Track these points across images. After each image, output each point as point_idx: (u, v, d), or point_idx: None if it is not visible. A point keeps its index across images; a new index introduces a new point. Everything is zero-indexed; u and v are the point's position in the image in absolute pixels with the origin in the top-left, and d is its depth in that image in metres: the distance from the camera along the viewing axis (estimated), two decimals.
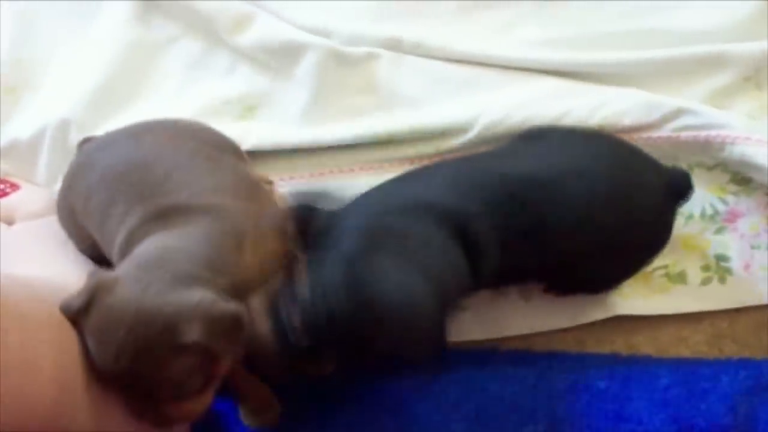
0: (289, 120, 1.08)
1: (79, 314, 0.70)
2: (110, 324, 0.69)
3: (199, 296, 0.71)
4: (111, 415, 0.72)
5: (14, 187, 1.06)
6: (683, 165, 1.00)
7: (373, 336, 0.72)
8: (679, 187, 0.91)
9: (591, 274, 0.92)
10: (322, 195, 0.87)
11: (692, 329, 0.99)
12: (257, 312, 0.77)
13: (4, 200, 1.04)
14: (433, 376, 0.78)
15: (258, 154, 1.05)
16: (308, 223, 0.83)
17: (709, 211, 1.02)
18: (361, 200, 0.89)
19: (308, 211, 0.85)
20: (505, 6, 1.14)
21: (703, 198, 1.02)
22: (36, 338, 0.67)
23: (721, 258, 1.00)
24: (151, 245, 0.76)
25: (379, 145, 1.05)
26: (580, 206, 0.84)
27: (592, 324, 0.98)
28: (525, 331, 0.98)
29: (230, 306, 0.71)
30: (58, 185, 0.95)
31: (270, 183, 1.04)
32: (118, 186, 0.83)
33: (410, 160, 1.03)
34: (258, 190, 0.90)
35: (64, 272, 0.83)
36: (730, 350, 0.97)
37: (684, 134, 1.01)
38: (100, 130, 0.99)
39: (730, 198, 1.02)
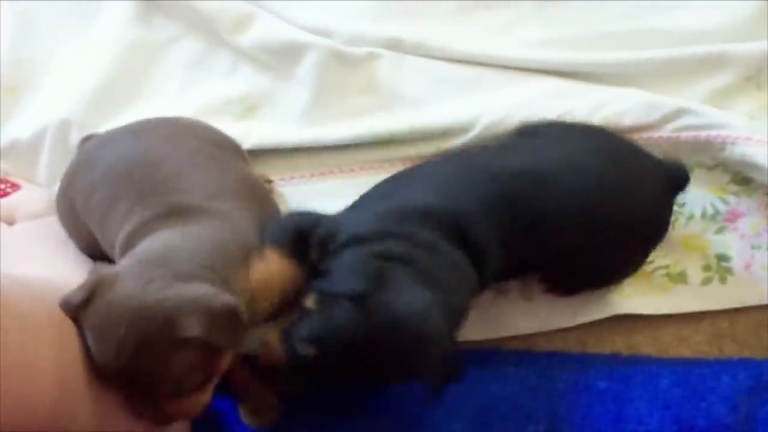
0: (290, 120, 1.08)
1: (78, 310, 0.70)
2: (110, 320, 0.68)
3: (199, 291, 0.71)
4: (112, 415, 0.72)
5: (15, 186, 1.06)
6: None
7: (383, 353, 0.72)
8: (676, 180, 0.91)
9: (590, 267, 0.92)
10: None
11: (693, 329, 0.99)
12: (269, 327, 0.78)
13: (5, 200, 1.04)
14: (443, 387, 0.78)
15: (259, 154, 1.05)
16: (309, 232, 0.83)
17: (710, 211, 1.02)
18: (360, 203, 0.89)
19: (308, 218, 0.85)
20: (505, 6, 1.14)
21: (703, 198, 1.02)
22: (36, 338, 0.67)
23: (721, 258, 1.00)
24: (153, 243, 0.76)
25: (379, 145, 1.05)
26: (576, 199, 0.84)
27: (593, 324, 0.98)
28: (526, 331, 0.98)
29: (230, 300, 0.71)
30: (58, 185, 0.95)
31: (270, 182, 1.04)
32: (121, 183, 0.83)
33: (411, 160, 1.03)
34: (258, 192, 0.90)
35: (65, 272, 0.83)
36: (731, 350, 0.97)
37: (684, 134, 1.01)
38: (100, 130, 0.99)
39: (731, 198, 1.02)
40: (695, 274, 1.00)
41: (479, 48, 1.09)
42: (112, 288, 0.70)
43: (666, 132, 1.01)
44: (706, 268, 1.00)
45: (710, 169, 1.03)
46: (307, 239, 0.83)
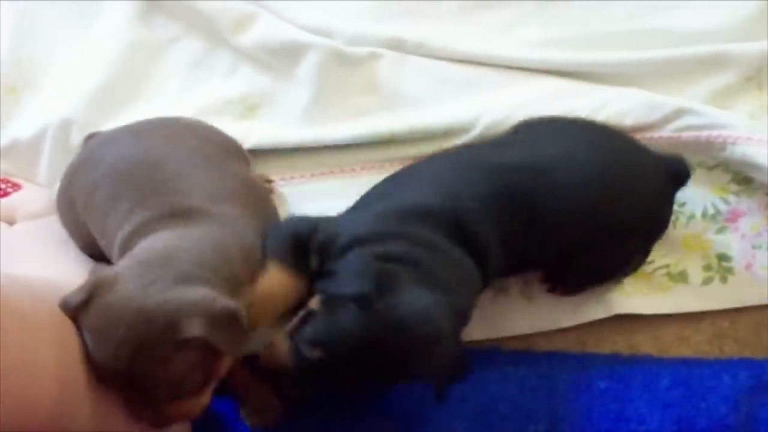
0: (290, 120, 1.08)
1: (78, 310, 0.70)
2: (110, 321, 0.68)
3: (200, 293, 0.71)
4: (112, 415, 0.72)
5: (15, 186, 1.06)
6: None
7: (389, 355, 0.72)
8: (676, 174, 0.91)
9: (591, 263, 0.91)
10: None
11: (693, 329, 0.99)
12: (272, 329, 0.78)
13: (5, 200, 1.04)
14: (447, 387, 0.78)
15: (259, 154, 1.05)
16: (309, 238, 0.83)
17: (711, 211, 1.02)
18: (359, 204, 0.89)
19: (306, 224, 0.85)
20: (506, 6, 1.14)
21: (704, 198, 1.02)
22: (37, 338, 0.67)
23: (722, 258, 1.00)
24: (153, 244, 0.76)
25: (380, 145, 1.05)
26: (576, 194, 0.84)
27: (593, 324, 0.98)
28: (526, 331, 0.98)
29: (230, 303, 0.72)
30: (58, 184, 0.95)
31: (270, 182, 1.04)
32: (122, 183, 0.83)
33: (412, 160, 1.03)
34: (258, 193, 0.90)
35: (65, 272, 0.83)
36: (731, 350, 0.97)
37: (685, 134, 1.01)
38: (102, 130, 0.99)
39: (732, 198, 1.02)
40: (696, 273, 1.00)
41: (480, 48, 1.09)
42: (112, 289, 0.70)
43: (667, 132, 1.01)
44: (707, 267, 1.00)
45: (711, 168, 1.03)
46: (306, 246, 0.83)
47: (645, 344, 0.98)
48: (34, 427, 0.64)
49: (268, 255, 0.82)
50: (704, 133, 1.00)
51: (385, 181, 0.92)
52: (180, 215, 0.80)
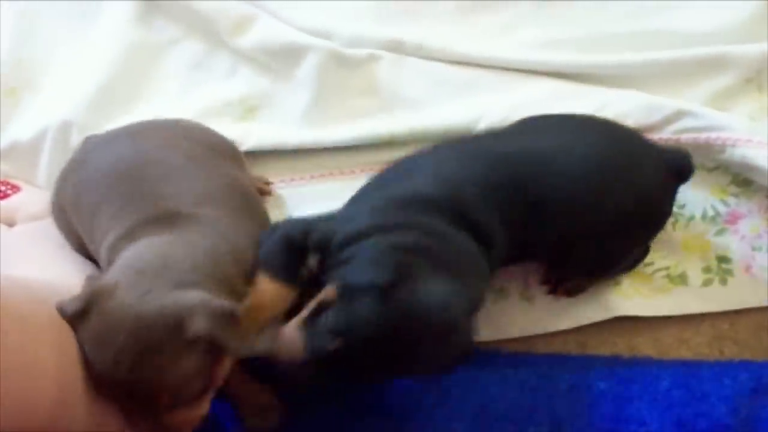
0: (289, 121, 1.08)
1: (74, 318, 0.70)
2: (110, 328, 0.68)
3: (197, 296, 0.71)
4: (111, 416, 0.72)
5: (15, 188, 1.06)
6: None
7: (407, 343, 0.72)
8: (679, 168, 0.91)
9: (591, 254, 0.90)
10: None
11: (693, 331, 0.99)
12: (279, 326, 0.78)
13: (5, 202, 1.04)
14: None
15: (259, 155, 1.05)
16: (304, 240, 0.82)
17: (710, 213, 1.02)
18: (358, 198, 0.89)
19: (298, 227, 0.84)
20: (504, 7, 1.14)
21: (704, 200, 1.02)
22: (36, 340, 0.66)
23: (722, 259, 1.00)
24: (146, 250, 0.75)
25: (380, 147, 1.05)
26: (577, 183, 0.84)
27: (593, 326, 0.99)
28: (526, 333, 0.98)
29: (227, 302, 0.72)
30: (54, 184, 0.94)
31: (268, 183, 1.04)
32: (112, 184, 0.82)
33: None
34: (247, 196, 0.89)
35: (65, 274, 0.83)
36: (731, 352, 0.97)
37: (685, 136, 1.01)
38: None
39: (731, 200, 1.02)
40: (696, 275, 1.00)
41: (479, 49, 1.09)
42: (110, 298, 0.69)
43: (666, 134, 1.01)
44: (707, 269, 1.00)
45: (711, 170, 1.03)
46: (301, 248, 0.82)
47: (645, 346, 0.98)
48: (34, 428, 0.64)
49: (259, 265, 0.82)
50: (704, 135, 1.00)
51: (383, 172, 0.91)
52: (165, 220, 0.79)
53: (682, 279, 1.00)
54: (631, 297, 0.99)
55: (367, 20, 1.14)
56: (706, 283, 1.00)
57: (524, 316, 0.99)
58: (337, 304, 0.75)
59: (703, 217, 1.02)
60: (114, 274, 0.73)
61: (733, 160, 0.99)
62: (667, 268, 1.00)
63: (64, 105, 1.08)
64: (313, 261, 0.82)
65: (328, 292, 0.77)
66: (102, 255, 0.81)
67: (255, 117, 1.10)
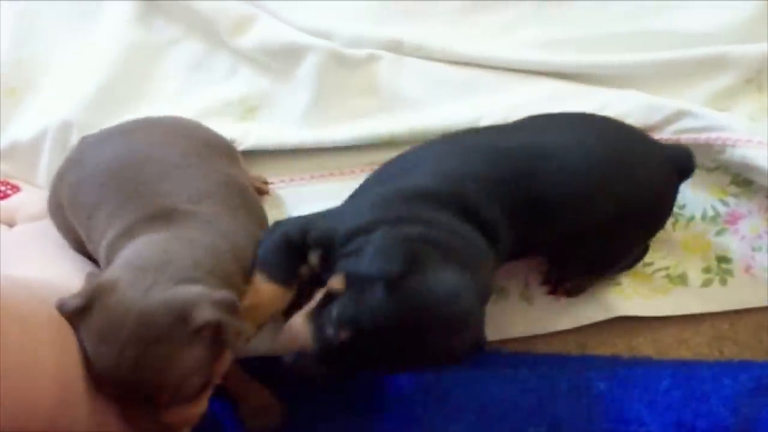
0: (289, 121, 1.09)
1: (75, 315, 0.70)
2: (113, 324, 0.68)
3: (199, 288, 0.71)
4: (112, 416, 0.72)
5: (15, 188, 1.06)
6: None
7: (417, 334, 0.72)
8: (681, 165, 0.91)
9: (592, 249, 0.90)
10: None
11: (693, 331, 0.99)
12: (298, 313, 0.77)
13: (5, 202, 1.04)
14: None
15: (258, 155, 1.05)
16: (303, 238, 0.82)
17: (710, 213, 1.02)
18: (359, 193, 0.89)
19: (295, 225, 0.84)
20: (505, 7, 1.14)
21: (704, 200, 1.02)
22: (36, 339, 0.66)
23: (722, 260, 1.00)
24: (147, 247, 0.75)
25: (380, 147, 1.05)
26: (579, 178, 0.84)
27: (593, 326, 0.99)
28: (526, 333, 0.98)
29: (228, 294, 0.72)
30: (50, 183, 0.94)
31: (266, 183, 1.04)
32: (109, 183, 0.82)
33: None
34: (244, 193, 0.89)
35: (64, 274, 0.82)
36: (731, 352, 0.97)
37: (685, 136, 1.01)
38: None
39: (731, 200, 1.02)
40: (695, 275, 1.00)
41: (479, 49, 1.09)
42: (113, 294, 0.69)
43: (667, 134, 1.01)
44: (707, 269, 1.00)
45: (710, 171, 1.03)
46: (300, 247, 0.82)
47: (645, 346, 0.98)
48: (34, 427, 0.64)
49: (256, 266, 0.82)
50: (704, 136, 1.00)
51: (381, 169, 0.91)
52: (164, 217, 0.79)
53: (681, 279, 1.00)
54: (630, 297, 0.99)
55: (367, 20, 1.14)
56: (706, 283, 1.00)
57: (524, 316, 0.99)
58: (345, 294, 0.74)
59: (703, 217, 1.02)
60: (115, 271, 0.73)
61: (733, 161, 0.99)
62: (667, 269, 1.00)
63: (64, 105, 1.08)
64: (314, 258, 0.82)
65: (335, 281, 0.76)
66: (101, 253, 0.81)
67: (255, 117, 1.10)
